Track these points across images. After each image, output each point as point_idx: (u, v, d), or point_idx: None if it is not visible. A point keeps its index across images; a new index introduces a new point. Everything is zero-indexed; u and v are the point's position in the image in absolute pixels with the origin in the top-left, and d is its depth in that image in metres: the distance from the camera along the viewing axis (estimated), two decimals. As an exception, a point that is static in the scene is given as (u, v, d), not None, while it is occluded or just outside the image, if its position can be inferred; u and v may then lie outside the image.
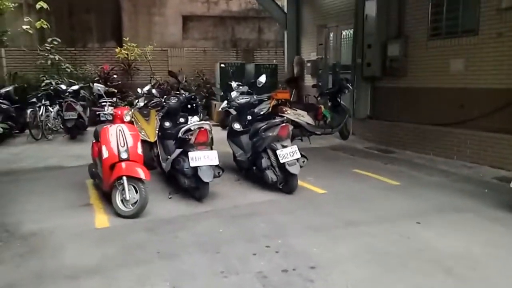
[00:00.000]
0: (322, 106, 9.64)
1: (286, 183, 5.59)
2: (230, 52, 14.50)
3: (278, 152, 5.43)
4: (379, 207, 5.17)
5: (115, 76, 12.96)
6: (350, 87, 9.63)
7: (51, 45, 12.46)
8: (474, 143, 7.43)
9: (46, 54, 12.33)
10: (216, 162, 5.23)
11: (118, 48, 12.53)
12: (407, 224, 4.58)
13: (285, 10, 13.12)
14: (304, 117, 9.32)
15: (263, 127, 5.72)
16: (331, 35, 11.83)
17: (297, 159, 5.55)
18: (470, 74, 7.74)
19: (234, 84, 11.67)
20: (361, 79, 10.17)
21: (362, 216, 4.84)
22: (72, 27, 13.41)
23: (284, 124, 5.63)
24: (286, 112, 9.19)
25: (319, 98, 10.04)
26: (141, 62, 13.13)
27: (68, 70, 12.51)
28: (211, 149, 5.49)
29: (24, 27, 12.13)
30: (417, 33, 8.84)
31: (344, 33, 11.31)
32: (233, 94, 11.64)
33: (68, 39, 13.18)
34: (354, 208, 5.11)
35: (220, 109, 11.55)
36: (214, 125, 11.98)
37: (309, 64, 12.50)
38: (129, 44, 12.55)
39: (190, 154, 5.12)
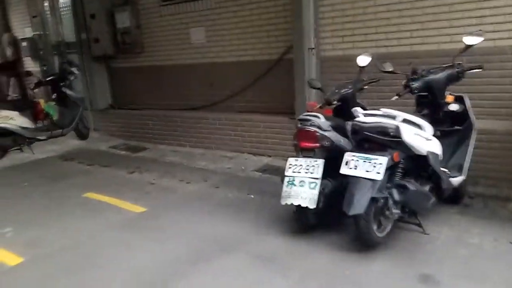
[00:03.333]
0: (42, 101, 7.07)
1: None
2: None
3: None
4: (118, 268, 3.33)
5: None
6: (76, 72, 7.30)
7: None
8: (231, 128, 6.33)
9: None
10: None
11: None
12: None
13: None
14: (15, 120, 6.59)
15: None
16: (46, 3, 9.03)
17: None
18: (213, 45, 6.53)
19: None
20: (91, 60, 7.96)
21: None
22: None
23: None
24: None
25: (35, 90, 7.41)
26: None
27: None
28: None
29: None
30: (147, -3, 7.13)
31: (61, 0, 8.71)
32: None
33: None
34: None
35: None
36: None
37: (24, 44, 9.44)
38: None
39: None
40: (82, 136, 7.78)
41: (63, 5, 8.61)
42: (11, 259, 3.56)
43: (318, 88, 4.23)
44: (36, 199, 4.94)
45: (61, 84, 7.27)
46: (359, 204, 3.05)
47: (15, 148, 6.83)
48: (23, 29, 9.54)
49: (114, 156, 6.79)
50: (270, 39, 5.93)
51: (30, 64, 9.64)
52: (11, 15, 9.78)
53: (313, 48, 5.30)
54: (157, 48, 7.25)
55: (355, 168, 3.16)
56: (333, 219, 3.66)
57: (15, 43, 9.62)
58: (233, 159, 6.05)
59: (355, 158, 3.19)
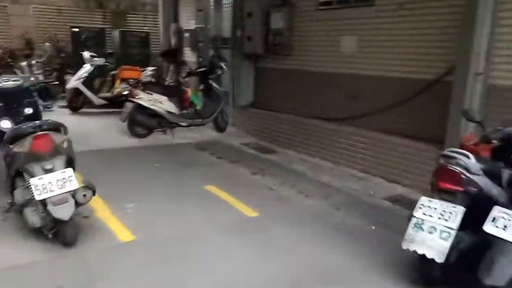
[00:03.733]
0: (189, 90, 7.49)
1: (58, 231, 3.36)
2: (95, 14, 11.63)
3: (32, 181, 3.18)
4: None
5: None
6: (224, 67, 7.56)
7: None
8: (366, 147, 5.81)
9: None
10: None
11: None
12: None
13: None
14: (163, 104, 7.12)
15: (8, 137, 3.41)
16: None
17: (73, 193, 3.33)
18: (363, 56, 6.06)
19: (86, 55, 9.14)
20: (241, 57, 8.15)
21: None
22: None
23: (40, 133, 3.30)
24: (137, 97, 6.92)
25: (186, 79, 7.88)
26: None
27: None
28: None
29: None
30: (305, -1, 6.98)
31: (226, -4, 9.15)
32: (84, 68, 9.16)
33: None
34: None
35: (69, 86, 8.97)
36: (62, 107, 9.48)
37: (187, 35, 10.20)
38: None
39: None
40: (220, 129, 8.05)
41: (226, 2, 9.03)
42: (125, 235, 3.71)
43: (477, 122, 3.52)
44: (162, 182, 5.16)
45: (209, 76, 7.61)
46: (500, 274, 2.41)
47: (160, 129, 7.38)
48: (188, 21, 10.30)
49: (243, 154, 6.82)
50: (428, 57, 5.24)
51: (188, 54, 10.38)
52: (181, 8, 10.64)
53: (481, 74, 4.49)
54: (305, 52, 7.06)
55: (504, 229, 2.49)
56: (463, 278, 2.96)
57: (179, 33, 10.45)
58: (362, 181, 5.53)
59: (506, 217, 2.52)
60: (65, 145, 3.32)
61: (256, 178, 5.54)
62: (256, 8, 7.61)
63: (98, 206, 4.22)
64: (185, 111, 7.48)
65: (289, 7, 7.19)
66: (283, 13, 7.27)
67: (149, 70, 9.63)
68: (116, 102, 8.45)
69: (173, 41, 10.60)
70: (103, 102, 8.91)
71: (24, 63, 9.07)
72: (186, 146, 7.01)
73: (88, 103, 9.08)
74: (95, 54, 9.11)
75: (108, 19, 11.69)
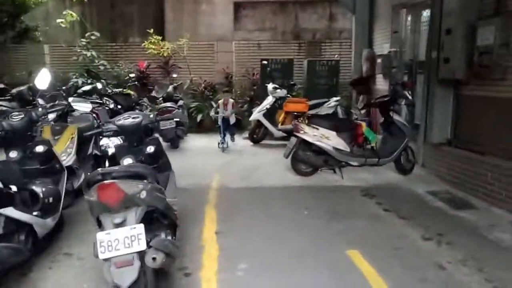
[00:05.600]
0: (363, 124, 6.36)
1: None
2: (291, 45, 11.59)
3: (98, 236, 2.71)
4: None
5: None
6: (409, 96, 6.15)
7: (87, 40, 11.28)
8: None
9: (79, 50, 11.16)
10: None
11: (146, 42, 10.67)
12: None
13: (353, -13, 9.81)
14: (330, 140, 6.21)
15: (85, 182, 3.00)
16: (409, 18, 8.24)
17: (141, 254, 2.73)
18: None
19: (270, 86, 9.04)
20: (436, 83, 6.56)
21: None
22: (113, 21, 12.09)
23: (105, 182, 2.79)
24: (301, 132, 6.22)
25: (362, 111, 6.77)
26: (187, 57, 11.11)
27: (102, 68, 11.14)
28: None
29: (58, 21, 11.22)
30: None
31: (424, 14, 7.67)
32: (267, 99, 9.04)
33: (108, 33, 11.91)
34: None
35: (251, 118, 9.03)
36: (246, 138, 9.57)
37: (379, 60, 9.04)
38: (154, 37, 10.61)
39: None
40: (403, 170, 6.62)
41: (424, 20, 7.56)
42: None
43: None
44: (298, 237, 4.24)
45: (390, 108, 6.33)
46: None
47: (327, 168, 6.48)
48: (382, 45, 9.14)
49: (424, 207, 5.26)
50: None
51: (381, 82, 9.17)
52: (375, 31, 9.57)
53: None
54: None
55: None
56: None
57: (372, 59, 9.36)
58: None
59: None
60: (143, 195, 2.80)
61: (426, 247, 4.05)
62: (457, 23, 5.99)
63: (210, 260, 3.63)
64: (357, 148, 6.38)
65: (505, 17, 5.36)
66: (495, 26, 5.47)
67: (333, 100, 8.87)
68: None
69: (364, 68, 9.58)
70: (282, 134, 8.57)
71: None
72: (352, 190, 5.88)
73: (269, 134, 8.91)
74: (277, 86, 8.91)
75: (303, 49, 11.52)
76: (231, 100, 8.42)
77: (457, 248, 3.98)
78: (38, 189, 3.68)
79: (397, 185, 6.19)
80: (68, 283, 3.34)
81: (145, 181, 2.94)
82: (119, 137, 4.38)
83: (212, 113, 8.85)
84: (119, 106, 8.38)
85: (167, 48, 10.70)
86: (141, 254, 2.71)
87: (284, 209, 5.07)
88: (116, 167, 3.07)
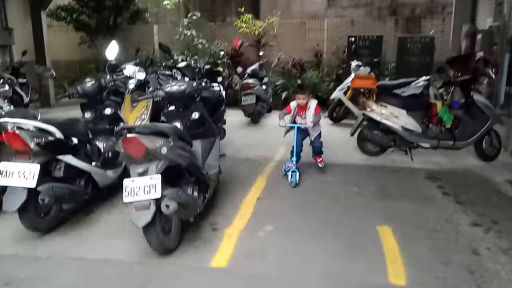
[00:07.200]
0: (439, 103, 5.92)
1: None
2: (386, 22, 11.01)
3: (124, 182, 3.10)
4: None
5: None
6: (492, 74, 5.54)
7: (189, 20, 12.10)
8: None
9: (181, 30, 12.04)
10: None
11: (238, 20, 11.04)
12: None
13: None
14: (399, 119, 5.93)
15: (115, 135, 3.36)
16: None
17: (157, 202, 3.05)
18: None
19: (353, 64, 8.81)
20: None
21: None
22: (213, 1, 12.74)
23: (128, 136, 3.14)
24: (368, 109, 6.06)
25: (440, 90, 6.28)
26: (278, 35, 11.31)
27: (200, 46, 11.89)
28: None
29: (165, 2, 12.22)
30: None
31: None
32: (350, 77, 8.79)
33: (208, 13, 12.61)
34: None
35: (332, 96, 8.96)
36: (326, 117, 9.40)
37: (479, 36, 8.18)
38: (245, 15, 10.92)
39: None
40: (484, 156, 6.07)
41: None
42: (220, 260, 3.21)
43: None
44: (335, 208, 4.27)
45: (471, 87, 5.80)
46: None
47: (397, 148, 6.20)
48: (485, 20, 8.24)
49: (493, 195, 4.78)
50: None
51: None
52: (479, 3, 8.64)
53: None
54: None
55: None
56: None
57: (472, 35, 8.49)
58: None
59: None
60: (163, 151, 3.13)
61: (469, 232, 3.77)
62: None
63: (240, 220, 3.88)
64: (430, 129, 5.99)
65: None
66: None
67: (422, 80, 8.29)
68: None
69: (463, 45, 8.75)
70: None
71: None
72: (417, 172, 5.57)
73: (351, 113, 8.71)
74: (361, 64, 8.62)
75: (399, 26, 10.87)
76: (313, 102, 5.23)
77: (506, 237, 3.62)
78: (100, 144, 4.27)
79: (473, 171, 5.69)
80: (119, 226, 3.85)
81: (168, 138, 3.25)
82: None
83: (281, 123, 5.26)
84: (186, 78, 8.87)
85: (259, 26, 10.97)
86: (158, 202, 3.06)
87: (334, 184, 5.06)
88: (135, 125, 3.46)
